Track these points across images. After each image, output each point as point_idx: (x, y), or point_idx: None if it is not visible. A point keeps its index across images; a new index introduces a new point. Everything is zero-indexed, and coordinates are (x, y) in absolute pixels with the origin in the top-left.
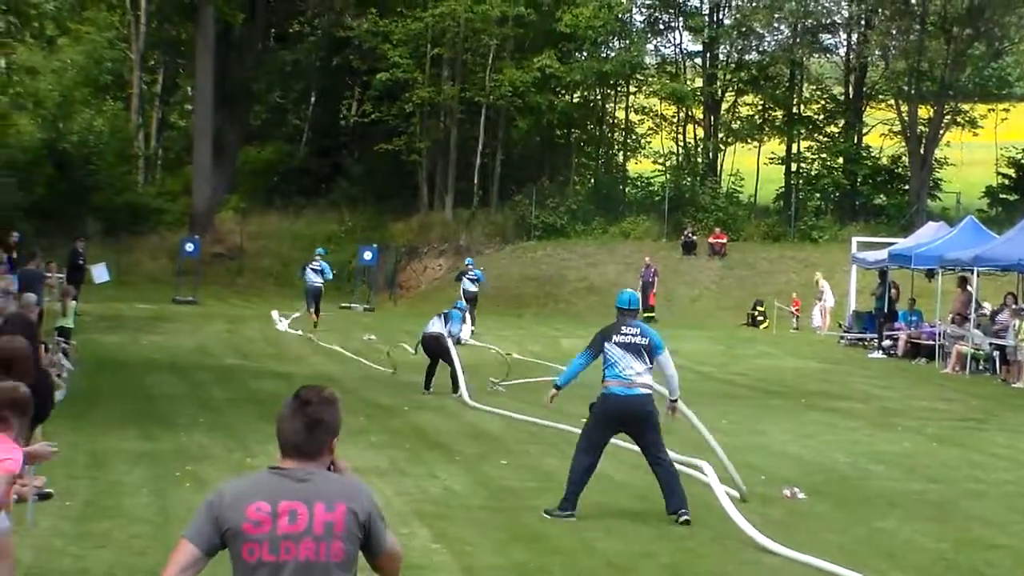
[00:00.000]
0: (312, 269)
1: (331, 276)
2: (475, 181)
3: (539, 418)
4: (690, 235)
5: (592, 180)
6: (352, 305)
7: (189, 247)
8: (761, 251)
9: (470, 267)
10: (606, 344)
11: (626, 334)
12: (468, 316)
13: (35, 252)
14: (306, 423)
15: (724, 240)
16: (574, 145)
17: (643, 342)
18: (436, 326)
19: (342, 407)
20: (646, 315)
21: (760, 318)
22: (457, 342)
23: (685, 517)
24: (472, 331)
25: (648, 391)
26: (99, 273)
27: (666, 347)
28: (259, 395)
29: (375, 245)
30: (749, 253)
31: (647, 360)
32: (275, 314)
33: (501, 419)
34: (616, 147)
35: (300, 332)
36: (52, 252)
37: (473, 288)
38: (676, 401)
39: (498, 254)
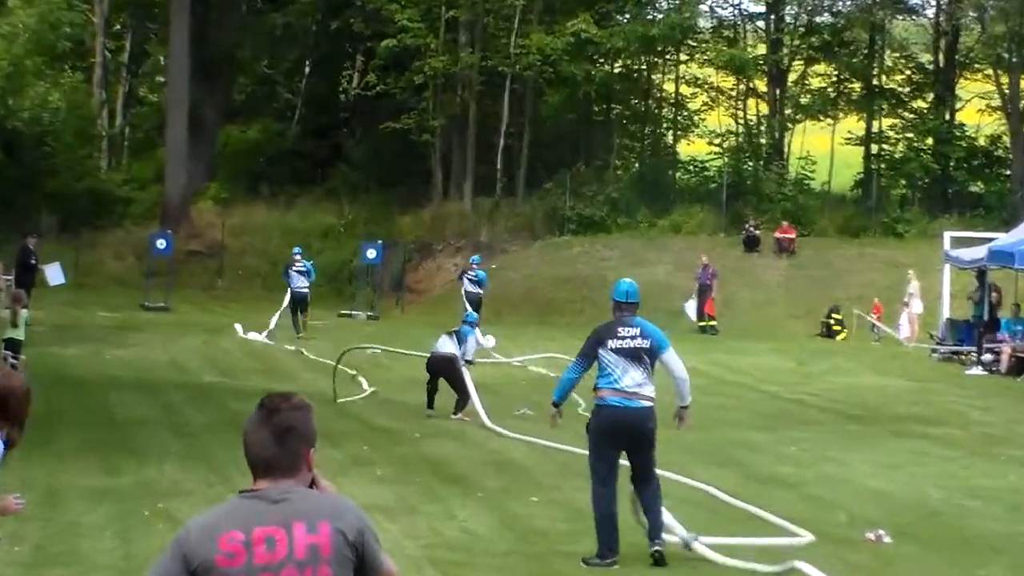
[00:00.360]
0: (296, 271)
1: (314, 279)
2: (498, 165)
3: (574, 446)
4: (752, 229)
5: (636, 164)
6: (353, 312)
7: (161, 244)
8: (836, 248)
9: (474, 265)
10: (600, 350)
11: (623, 336)
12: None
13: None
14: (275, 433)
15: (793, 235)
16: (615, 123)
17: (643, 345)
18: (448, 346)
19: (315, 414)
20: (702, 325)
21: (836, 327)
22: (468, 363)
23: (658, 548)
24: (496, 341)
25: (650, 403)
26: (53, 274)
27: (671, 344)
28: (242, 418)
29: (380, 241)
30: (822, 250)
31: (649, 367)
32: (239, 327)
33: (529, 447)
34: (665, 125)
35: (293, 347)
36: None
37: (475, 290)
38: (687, 408)
39: (525, 252)
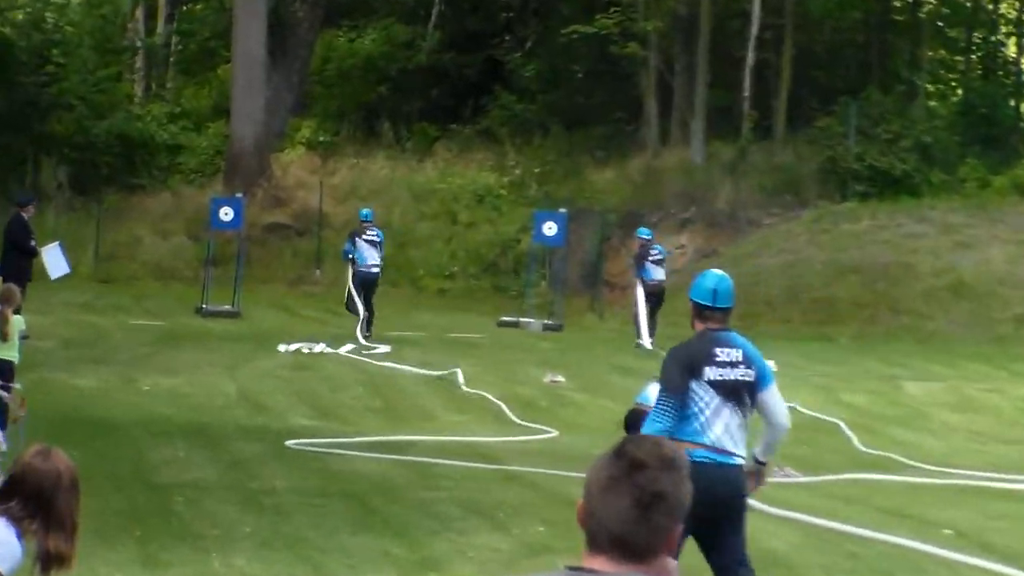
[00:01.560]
0: (366, 240)
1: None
2: (744, 92)
3: (859, 526)
4: None
5: (960, 92)
6: (522, 320)
7: (226, 214)
8: None
9: (646, 240)
10: (693, 383)
11: (723, 363)
12: (642, 320)
13: None
14: (636, 499)
15: None
16: (924, 27)
17: (747, 377)
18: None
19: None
20: None
21: None
22: None
23: None
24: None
25: (743, 461)
26: (52, 261)
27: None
28: (352, 484)
29: (563, 211)
30: None
31: (748, 407)
32: (283, 348)
33: (793, 527)
34: (1005, 29)
35: (377, 351)
36: None
37: (659, 275)
38: (765, 464)
39: (787, 226)
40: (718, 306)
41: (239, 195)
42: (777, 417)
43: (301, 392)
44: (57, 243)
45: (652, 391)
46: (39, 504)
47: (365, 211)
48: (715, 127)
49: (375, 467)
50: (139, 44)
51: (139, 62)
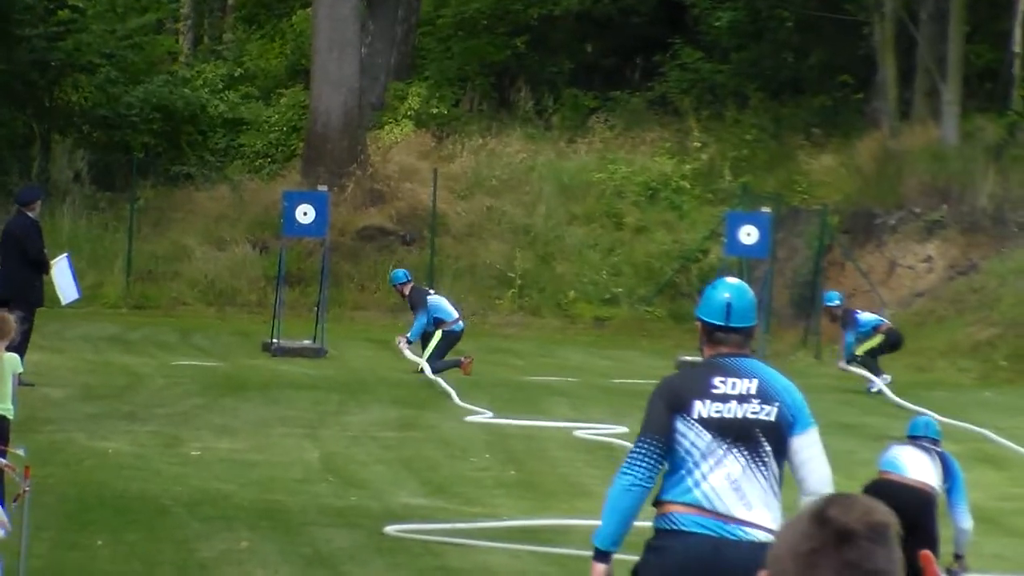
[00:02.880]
0: (433, 293)
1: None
2: (1015, 48)
3: None
4: None
5: None
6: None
7: (304, 215)
8: None
9: (838, 309)
10: (678, 421)
11: (722, 396)
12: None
13: None
14: None
15: None
16: None
17: (764, 415)
18: (920, 466)
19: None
20: None
21: None
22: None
23: None
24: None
25: (765, 536)
26: (61, 279)
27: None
28: None
29: (766, 210)
30: None
31: (770, 456)
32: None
33: None
34: None
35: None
36: None
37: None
38: None
39: None
40: (733, 326)
41: (323, 188)
42: (812, 479)
43: (408, 460)
44: (63, 256)
45: (900, 455)
46: None
47: (400, 272)
48: (975, 97)
49: (509, 562)
50: None
51: (186, 6)
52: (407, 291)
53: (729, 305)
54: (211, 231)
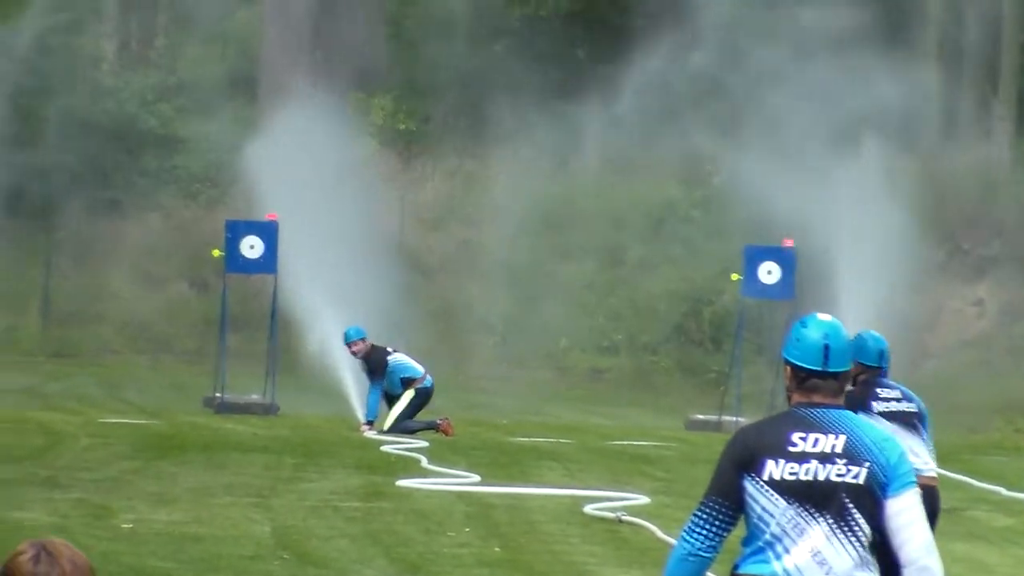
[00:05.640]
0: (393, 352)
1: None
2: None
3: None
4: None
5: None
6: (727, 419)
7: (251, 248)
8: None
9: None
10: (748, 483)
11: (800, 454)
12: None
13: None
14: None
15: None
16: None
17: (851, 477)
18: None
19: None
20: None
21: None
22: None
23: None
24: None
25: None
26: None
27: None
28: None
29: (790, 244)
30: None
31: (860, 524)
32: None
33: None
34: None
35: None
36: None
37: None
38: None
39: None
40: (831, 371)
41: (271, 217)
42: (909, 547)
43: (375, 534)
44: None
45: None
46: None
47: (352, 329)
48: None
49: None
50: None
51: (111, 4)
52: (364, 350)
53: (827, 347)
54: (141, 267)
